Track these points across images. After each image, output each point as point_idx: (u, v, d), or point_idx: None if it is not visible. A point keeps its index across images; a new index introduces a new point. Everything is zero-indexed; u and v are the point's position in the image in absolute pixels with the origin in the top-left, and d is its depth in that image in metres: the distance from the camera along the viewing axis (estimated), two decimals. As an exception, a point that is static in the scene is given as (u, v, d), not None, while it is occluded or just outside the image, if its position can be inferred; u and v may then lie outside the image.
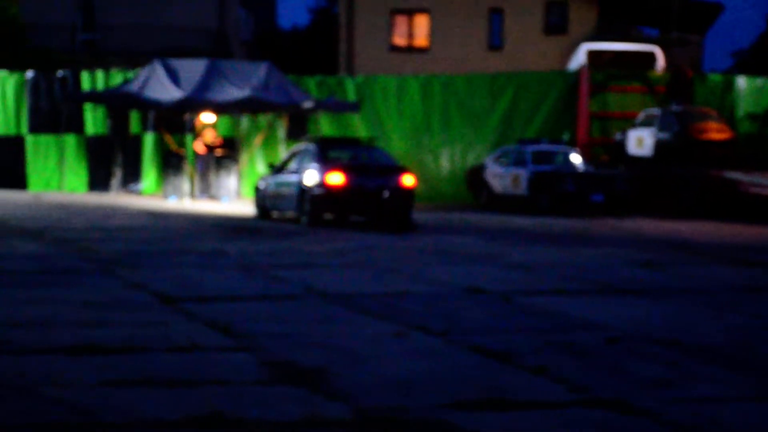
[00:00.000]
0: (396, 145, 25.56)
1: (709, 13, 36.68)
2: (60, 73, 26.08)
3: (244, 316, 7.73)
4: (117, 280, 9.70)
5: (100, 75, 25.84)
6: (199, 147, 23.93)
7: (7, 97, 25.95)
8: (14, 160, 25.85)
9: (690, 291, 9.70)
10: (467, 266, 11.56)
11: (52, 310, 7.75)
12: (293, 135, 24.28)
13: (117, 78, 25.54)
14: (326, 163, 17.30)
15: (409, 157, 25.36)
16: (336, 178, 16.83)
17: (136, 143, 25.60)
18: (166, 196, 23.30)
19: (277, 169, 19.08)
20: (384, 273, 10.78)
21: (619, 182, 21.68)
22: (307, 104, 23.05)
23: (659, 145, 22.69)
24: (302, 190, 17.37)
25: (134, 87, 22.90)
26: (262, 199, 19.19)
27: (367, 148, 18.76)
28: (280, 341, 6.73)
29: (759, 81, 24.94)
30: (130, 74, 25.20)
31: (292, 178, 17.98)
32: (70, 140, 25.80)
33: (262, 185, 19.31)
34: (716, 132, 22.36)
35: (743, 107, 24.91)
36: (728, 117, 24.41)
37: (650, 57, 27.59)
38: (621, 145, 24.10)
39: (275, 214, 19.00)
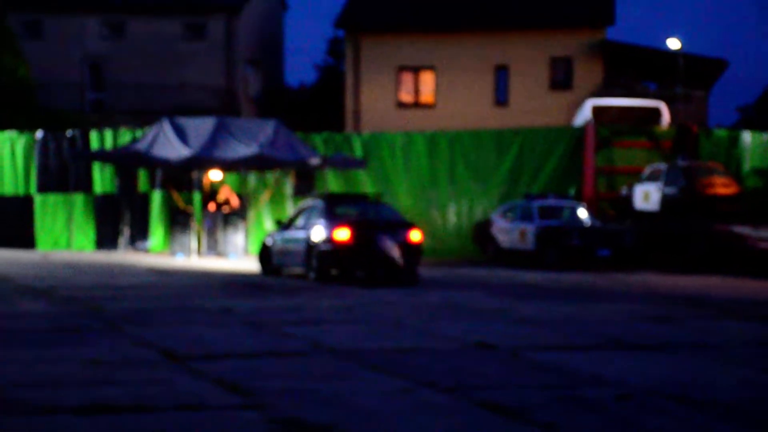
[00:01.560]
0: (403, 201, 25.62)
1: (713, 68, 36.95)
2: (69, 132, 26.30)
3: (251, 373, 7.69)
4: (125, 338, 9.68)
5: (108, 134, 26.04)
6: (211, 206, 23.92)
7: (16, 157, 26.14)
8: (23, 220, 25.98)
9: (701, 346, 9.64)
10: (475, 321, 11.52)
11: (61, 369, 7.73)
12: (300, 191, 24.37)
13: (125, 137, 25.73)
14: (333, 219, 17.34)
15: (416, 212, 25.40)
16: (343, 234, 16.86)
17: (144, 201, 25.70)
18: (173, 254, 23.33)
19: (284, 225, 19.12)
20: (392, 328, 10.74)
21: (625, 237, 21.67)
22: (314, 161, 23.17)
23: (666, 200, 22.70)
24: (310, 246, 17.39)
25: (142, 145, 23.06)
26: (268, 255, 19.21)
27: (374, 203, 18.81)
28: (288, 398, 6.69)
29: (765, 136, 25.02)
30: (139, 133, 25.39)
31: (300, 234, 18.01)
32: (79, 199, 25.92)
33: (269, 242, 19.34)
34: (722, 187, 22.38)
35: (749, 162, 24.95)
36: (734, 172, 24.45)
37: (655, 112, 27.72)
38: (627, 199, 24.12)
39: (283, 270, 19.00)
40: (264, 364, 8.17)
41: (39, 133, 26.25)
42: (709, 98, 36.97)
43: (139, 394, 6.73)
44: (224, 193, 24.06)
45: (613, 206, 25.01)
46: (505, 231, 22.96)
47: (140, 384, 7.17)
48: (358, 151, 25.70)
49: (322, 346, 9.22)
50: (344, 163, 24.44)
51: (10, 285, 15.69)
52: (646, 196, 23.33)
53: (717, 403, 6.74)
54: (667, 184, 22.79)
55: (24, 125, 28.44)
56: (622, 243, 21.53)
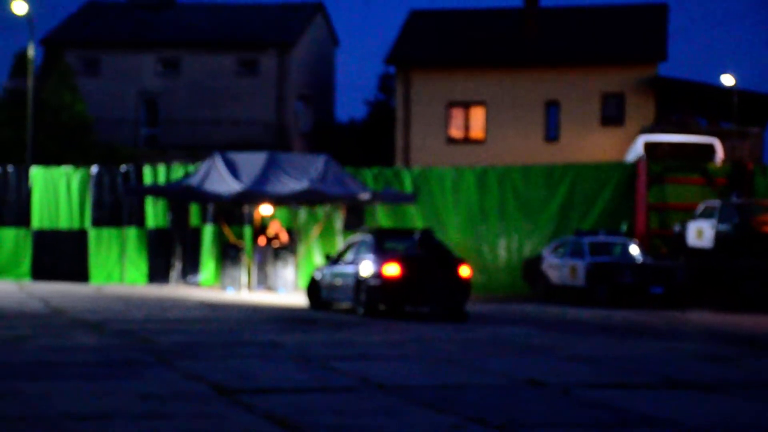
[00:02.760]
0: (452, 236, 25.54)
1: (768, 105, 36.55)
2: (123, 167, 26.71)
3: (301, 408, 7.68)
4: (175, 371, 9.73)
5: (161, 169, 26.38)
6: (262, 240, 24.10)
7: (71, 192, 26.57)
8: (77, 253, 26.35)
9: (758, 386, 9.45)
10: (525, 358, 11.41)
11: (112, 403, 7.78)
12: (350, 226, 24.42)
13: (178, 172, 26.05)
14: (383, 254, 17.36)
15: (466, 248, 25.30)
16: (393, 270, 16.86)
17: (196, 235, 25.95)
18: (224, 288, 23.49)
19: (333, 260, 19.16)
20: (441, 364, 10.68)
21: (678, 274, 21.39)
22: (364, 196, 23.25)
23: (719, 237, 22.40)
24: (358, 281, 17.40)
25: (194, 180, 23.32)
26: (317, 289, 19.26)
27: (423, 238, 18.78)
28: (338, 434, 6.66)
29: (820, 173, 24.62)
30: (191, 168, 25.69)
31: (348, 269, 18.04)
32: (132, 233, 26.25)
33: (318, 276, 19.40)
34: (777, 224, 22.02)
35: (805, 199, 24.54)
36: (790, 209, 24.05)
37: (709, 149, 27.44)
38: (680, 236, 23.83)
39: (332, 305, 19.03)
40: (313, 399, 8.17)
41: (94, 168, 26.68)
42: (764, 135, 36.51)
43: (189, 428, 6.75)
44: (274, 228, 24.21)
45: (666, 243, 24.73)
46: (556, 267, 22.80)
47: (191, 418, 7.19)
48: (407, 186, 25.74)
49: (370, 381, 9.19)
50: (394, 198, 24.48)
51: (64, 318, 15.89)
52: (700, 233, 23.03)
53: (774, 445, 6.60)
54: (720, 221, 22.50)
55: (80, 160, 28.95)
56: (674, 280, 21.26)
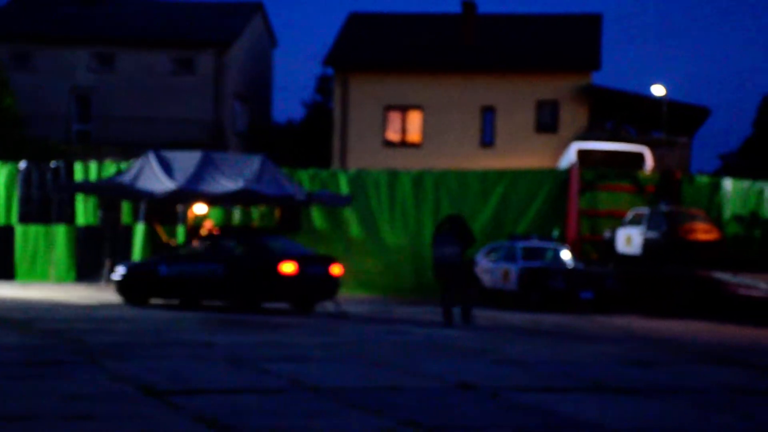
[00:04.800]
0: (388, 238, 25.66)
1: (696, 116, 37.32)
2: (53, 163, 26.26)
3: (231, 409, 7.65)
4: (104, 372, 9.62)
5: (93, 166, 26.01)
6: (195, 242, 23.87)
7: (-2, 187, 26.04)
8: (3, 250, 25.83)
9: (681, 390, 9.66)
10: (457, 361, 11.51)
11: (40, 403, 7.67)
12: (286, 227, 24.36)
13: (110, 169, 25.71)
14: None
15: (401, 251, 25.44)
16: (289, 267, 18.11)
17: (127, 234, 25.63)
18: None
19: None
20: (374, 366, 10.72)
21: (608, 280, 21.74)
22: (300, 197, 23.20)
23: (648, 244, 22.82)
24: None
25: (127, 178, 23.03)
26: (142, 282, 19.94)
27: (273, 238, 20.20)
28: (268, 436, 6.66)
29: (745, 183, 25.23)
30: (124, 165, 25.38)
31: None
32: (60, 231, 25.83)
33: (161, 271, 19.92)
34: (704, 232, 22.52)
35: (730, 209, 25.14)
36: (716, 218, 24.62)
37: (639, 157, 27.94)
38: (610, 242, 24.23)
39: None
40: (244, 401, 8.14)
41: (22, 164, 26.19)
42: (692, 144, 37.29)
43: (117, 430, 6.69)
44: (207, 228, 24.04)
45: (596, 249, 25.12)
46: (489, 271, 23.01)
47: (119, 419, 7.12)
48: (344, 188, 25.76)
49: (302, 383, 9.19)
50: (330, 200, 24.47)
51: (-10, 315, 15.58)
52: (629, 239, 23.45)
53: (696, 448, 6.75)
54: (649, 228, 22.92)
55: (8, 155, 28.37)
56: (604, 286, 21.60)
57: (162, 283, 19.21)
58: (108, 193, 23.95)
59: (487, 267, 23.10)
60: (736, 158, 54.51)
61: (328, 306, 18.97)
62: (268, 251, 18.98)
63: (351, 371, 10.33)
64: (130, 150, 33.21)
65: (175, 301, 19.31)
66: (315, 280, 18.72)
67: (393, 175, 26.21)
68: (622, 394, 9.27)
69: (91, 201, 25.50)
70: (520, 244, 22.69)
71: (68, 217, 25.79)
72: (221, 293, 18.97)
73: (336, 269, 18.87)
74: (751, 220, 24.64)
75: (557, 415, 7.90)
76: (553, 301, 21.35)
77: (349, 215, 25.64)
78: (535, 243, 22.96)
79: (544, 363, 11.57)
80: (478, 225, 25.53)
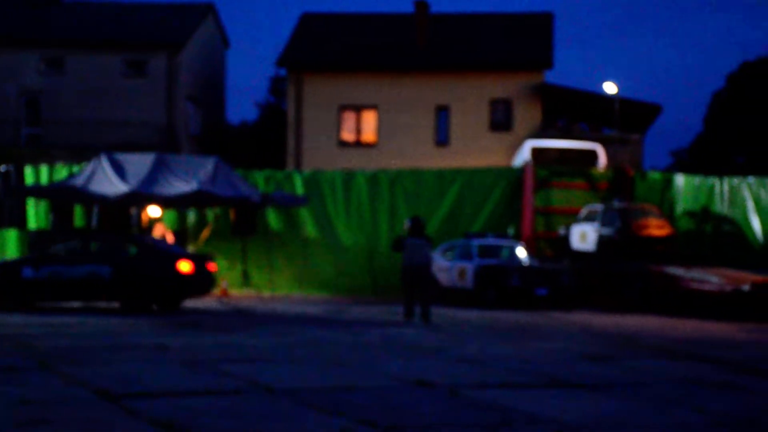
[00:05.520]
0: (344, 238, 25.63)
1: (648, 113, 37.72)
2: (2, 167, 25.87)
3: (187, 412, 7.59)
4: (57, 376, 9.50)
5: (44, 169, 25.68)
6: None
7: (-55, 192, 25.61)
8: (-48, 256, 25.42)
9: (636, 385, 9.75)
10: (414, 359, 11.52)
11: (-10, 407, 7.55)
12: (240, 229, 24.23)
13: (62, 172, 25.39)
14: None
15: (357, 251, 25.42)
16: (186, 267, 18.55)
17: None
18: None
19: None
20: (331, 366, 10.69)
21: (563, 276, 21.90)
22: (255, 198, 23.09)
23: (602, 241, 23.03)
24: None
25: (79, 181, 22.77)
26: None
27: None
28: (225, 438, 6.61)
29: (697, 180, 25.55)
30: (75, 168, 25.08)
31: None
32: (11, 235, 25.47)
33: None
34: (657, 228, 22.77)
35: (682, 204, 25.45)
36: (668, 214, 24.92)
37: (592, 154, 28.19)
38: (565, 239, 24.42)
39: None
40: (200, 403, 8.07)
41: (-28, 168, 25.80)
42: (644, 141, 37.69)
43: (71, 434, 6.60)
44: (159, 230, 23.85)
45: (551, 246, 25.30)
46: (445, 270, 23.07)
47: (73, 424, 7.03)
48: (299, 189, 25.68)
49: (259, 384, 9.14)
50: (285, 201, 24.39)
51: (-60, 322, 15.32)
52: (583, 236, 23.64)
53: (651, 441, 6.81)
54: (603, 224, 23.13)
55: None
56: (559, 282, 21.75)
57: (27, 287, 18.70)
58: (60, 197, 23.65)
59: (443, 266, 23.16)
60: (688, 155, 55.25)
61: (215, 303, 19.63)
62: (162, 251, 19.14)
63: (308, 371, 10.30)
64: (81, 153, 32.84)
65: (46, 305, 19.08)
66: (197, 279, 19.05)
67: (348, 175, 26.19)
68: (579, 389, 9.34)
69: (43, 205, 25.17)
70: (476, 243, 22.79)
71: (19, 222, 25.41)
72: (108, 295, 18.77)
73: (212, 267, 19.48)
74: (702, 215, 24.98)
75: (515, 411, 7.94)
76: (509, 298, 21.46)
77: (305, 216, 25.57)
78: (490, 241, 23.07)
79: (501, 360, 11.62)
80: (434, 224, 25.62)
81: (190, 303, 20.65)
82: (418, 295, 17.67)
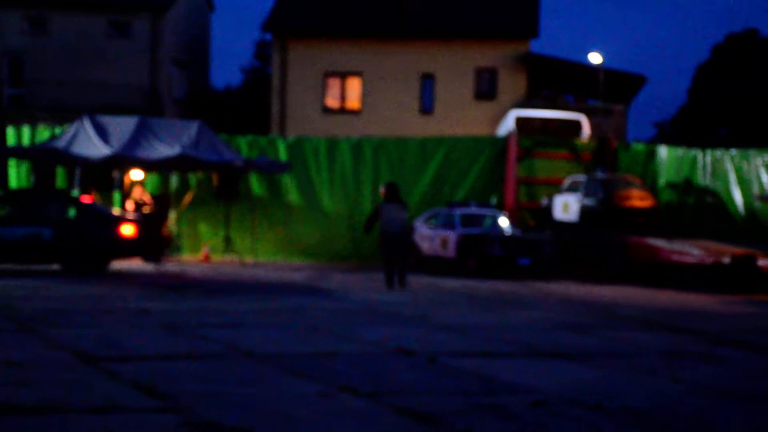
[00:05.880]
0: (327, 205, 25.63)
1: (632, 84, 37.73)
2: (-15, 128, 25.67)
3: (167, 375, 7.61)
4: (38, 339, 9.49)
5: (26, 130, 25.49)
6: (128, 204, 23.70)
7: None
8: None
9: (615, 355, 9.83)
10: (394, 327, 11.57)
11: (-31, 369, 7.55)
12: (223, 194, 24.17)
13: (44, 134, 25.22)
14: None
15: (340, 218, 25.43)
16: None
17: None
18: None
19: None
20: (311, 333, 10.73)
21: (545, 246, 21.98)
22: (238, 163, 23.02)
23: (584, 211, 23.11)
24: None
25: (61, 143, 22.63)
26: None
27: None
28: (205, 401, 6.64)
29: (680, 151, 25.62)
30: (58, 130, 24.92)
31: None
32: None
33: None
34: (639, 200, 22.86)
35: (665, 176, 25.54)
36: (651, 185, 25.00)
37: (576, 125, 28.21)
38: (547, 210, 24.49)
39: None
40: (181, 367, 8.09)
41: (-47, 128, 25.57)
42: (628, 112, 37.74)
43: (50, 397, 6.61)
44: (137, 193, 23.82)
45: (534, 216, 25.37)
46: (427, 238, 23.11)
47: (52, 386, 7.04)
48: (282, 155, 25.61)
49: (240, 349, 9.16)
50: (269, 166, 24.32)
51: None
52: (566, 206, 23.71)
53: (628, 410, 6.89)
54: (585, 195, 23.20)
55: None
56: (541, 252, 21.84)
57: None
58: (42, 158, 23.51)
59: (425, 234, 23.20)
60: (671, 126, 55.35)
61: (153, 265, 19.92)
62: (103, 214, 19.20)
63: (288, 337, 10.33)
64: (63, 115, 32.65)
65: None
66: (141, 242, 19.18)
67: (332, 142, 26.13)
68: (559, 358, 9.41)
69: (24, 166, 25.01)
70: (459, 211, 22.82)
71: (0, 183, 25.24)
72: (48, 257, 18.69)
73: (164, 231, 19.93)
74: (684, 187, 25.08)
75: (494, 379, 7.99)
76: (491, 267, 21.54)
77: (288, 182, 25.53)
78: (473, 210, 23.11)
79: (482, 328, 11.69)
80: (417, 192, 25.65)
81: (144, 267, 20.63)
82: (397, 261, 17.66)
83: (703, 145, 27.33)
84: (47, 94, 38.05)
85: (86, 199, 19.69)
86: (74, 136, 22.62)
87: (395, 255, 17.72)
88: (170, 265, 21.56)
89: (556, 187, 24.76)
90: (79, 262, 18.58)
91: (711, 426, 6.55)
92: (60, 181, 25.13)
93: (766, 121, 46.85)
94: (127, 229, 18.60)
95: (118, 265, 20.47)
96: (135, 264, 21.40)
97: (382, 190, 18.28)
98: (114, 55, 39.05)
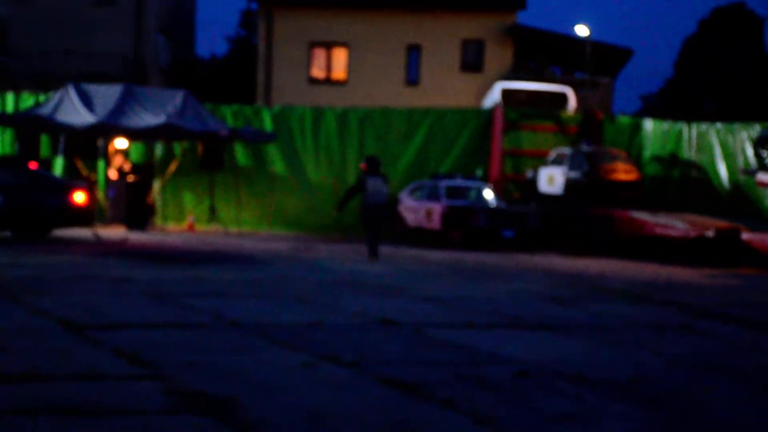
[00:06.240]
0: (312, 175, 25.58)
1: (619, 56, 37.69)
2: (-32, 94, 25.46)
3: (151, 344, 7.60)
4: (21, 306, 9.46)
5: (10, 97, 25.30)
6: (111, 173, 23.63)
7: None
8: None
9: (598, 327, 9.87)
10: (379, 298, 11.58)
11: (-49, 336, 7.51)
12: (208, 163, 24.08)
13: (28, 101, 25.04)
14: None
15: (324, 188, 25.39)
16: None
17: (46, 167, 25.03)
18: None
19: None
20: (296, 303, 10.73)
21: (530, 219, 22.02)
22: (223, 132, 22.93)
23: (569, 184, 23.14)
24: None
25: (46, 110, 22.48)
26: None
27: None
28: (188, 370, 6.63)
29: (665, 125, 25.65)
30: (42, 97, 24.74)
31: None
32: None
33: None
34: (624, 173, 22.90)
35: (650, 149, 25.58)
36: (636, 158, 25.04)
37: (562, 97, 28.18)
38: (532, 182, 24.52)
39: None
40: (165, 335, 8.08)
41: (-64, 95, 25.34)
42: (614, 85, 37.72)
43: (33, 364, 6.59)
44: (117, 161, 23.73)
45: (519, 188, 25.39)
46: (412, 210, 23.11)
47: (36, 353, 7.01)
48: (268, 125, 25.51)
49: (224, 318, 9.16)
50: (254, 136, 24.23)
51: None
52: (551, 179, 23.74)
53: (611, 383, 6.92)
54: (571, 168, 23.23)
55: None
56: (526, 225, 21.88)
57: None
58: (26, 126, 23.34)
59: (410, 205, 23.20)
60: (657, 100, 55.41)
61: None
62: (54, 181, 19.23)
63: (273, 307, 10.33)
64: (48, 83, 32.36)
65: None
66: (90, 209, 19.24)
67: (318, 112, 26.04)
68: (542, 330, 9.44)
69: (8, 133, 24.84)
70: (444, 183, 22.81)
71: (-17, 150, 25.10)
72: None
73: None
74: (670, 160, 25.14)
75: (478, 350, 8.02)
76: (475, 239, 21.57)
77: (273, 152, 25.45)
78: (458, 182, 23.11)
79: (466, 300, 11.71)
80: (402, 163, 25.63)
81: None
82: (379, 233, 17.88)
83: (689, 118, 27.37)
84: (31, 61, 37.71)
85: (34, 165, 19.62)
86: (59, 104, 22.47)
87: (378, 227, 17.77)
88: (155, 233, 21.51)
89: (541, 159, 24.77)
90: (30, 230, 18.60)
91: (693, 398, 6.59)
92: (44, 148, 24.99)
93: (752, 96, 46.95)
94: (79, 197, 18.63)
95: (104, 233, 20.38)
96: (114, 232, 21.33)
97: (362, 164, 18.30)
98: (98, 24, 38.69)
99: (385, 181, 18.09)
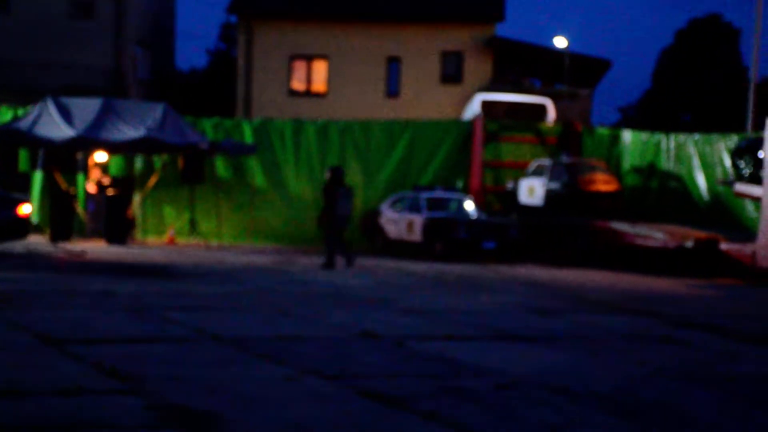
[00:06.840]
0: (292, 188, 25.54)
1: (598, 68, 37.91)
2: (-55, 108, 25.30)
3: (132, 358, 7.56)
4: (0, 321, 9.39)
5: (-12, 111, 25.14)
6: (90, 187, 23.53)
7: None
8: None
9: (579, 338, 9.90)
10: (361, 311, 11.57)
11: (-70, 352, 7.45)
12: (188, 176, 24.00)
13: (6, 114, 24.90)
14: None
15: (305, 201, 25.36)
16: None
17: (25, 182, 24.89)
18: (55, 236, 22.72)
19: None
20: (277, 316, 10.71)
21: (510, 230, 22.08)
22: (203, 145, 22.88)
23: (549, 195, 23.22)
24: None
25: (24, 124, 22.36)
26: None
27: None
28: (170, 384, 6.61)
29: (644, 135, 25.79)
30: (21, 111, 24.62)
31: None
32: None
33: None
34: (603, 183, 23.00)
35: (629, 160, 25.71)
36: (615, 169, 25.16)
37: (542, 109, 28.29)
38: (513, 193, 24.59)
39: None
40: (146, 350, 8.04)
41: None
42: (593, 97, 37.93)
43: (13, 379, 6.54)
44: (95, 175, 23.64)
45: (499, 200, 25.45)
46: (393, 222, 23.13)
47: (16, 368, 6.97)
48: (248, 138, 25.47)
49: (206, 332, 9.12)
50: (234, 149, 24.17)
51: None
52: (531, 190, 23.82)
53: (593, 394, 6.94)
54: (550, 179, 23.31)
55: None
56: (507, 236, 21.93)
57: None
58: (4, 140, 23.20)
59: (391, 217, 23.21)
60: (636, 111, 55.72)
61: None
62: (2, 195, 19.22)
63: (254, 321, 10.31)
64: (26, 96, 32.19)
65: None
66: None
67: (298, 124, 26.03)
68: (524, 342, 9.46)
69: (-14, 148, 24.65)
70: (425, 195, 22.85)
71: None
72: None
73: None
74: (648, 171, 25.26)
75: (460, 362, 8.02)
76: (456, 251, 21.60)
77: (254, 165, 25.40)
78: (439, 194, 23.14)
79: (448, 312, 11.73)
80: (383, 175, 25.63)
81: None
82: (342, 243, 18.68)
83: (667, 129, 27.52)
84: (8, 74, 37.53)
85: None
86: (37, 118, 22.35)
87: (342, 237, 18.63)
88: (135, 247, 21.42)
89: (521, 170, 24.84)
90: None
91: (674, 409, 6.62)
92: (23, 162, 24.85)
93: (729, 106, 47.29)
94: (26, 209, 18.66)
95: (89, 246, 20.27)
96: (96, 246, 21.23)
97: (327, 174, 18.57)
98: (77, 36, 38.57)
99: (352, 193, 18.83)
